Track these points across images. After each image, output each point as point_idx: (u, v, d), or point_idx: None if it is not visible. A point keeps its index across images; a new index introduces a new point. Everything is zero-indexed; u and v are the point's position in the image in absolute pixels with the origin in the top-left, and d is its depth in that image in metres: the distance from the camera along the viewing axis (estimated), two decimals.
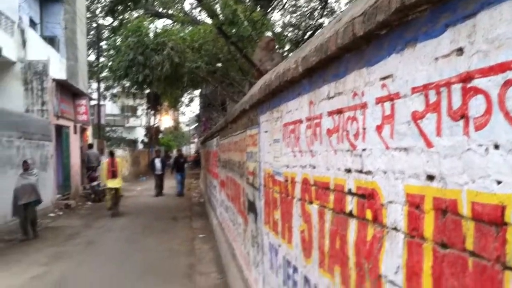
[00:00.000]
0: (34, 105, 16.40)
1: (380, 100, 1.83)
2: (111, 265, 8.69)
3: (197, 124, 43.76)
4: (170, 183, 22.48)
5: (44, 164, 15.39)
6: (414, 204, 1.57)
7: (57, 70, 18.42)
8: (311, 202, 2.68)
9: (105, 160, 17.22)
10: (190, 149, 58.56)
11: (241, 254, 5.99)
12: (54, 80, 17.25)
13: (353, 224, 2.02)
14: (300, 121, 2.92)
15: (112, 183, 15.18)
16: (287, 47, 18.79)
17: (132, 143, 42.65)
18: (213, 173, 12.04)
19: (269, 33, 15.88)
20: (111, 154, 16.13)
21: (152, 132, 39.57)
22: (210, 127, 21.36)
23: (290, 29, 21.81)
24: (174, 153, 35.10)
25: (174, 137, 55.19)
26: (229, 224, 7.67)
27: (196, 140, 52.29)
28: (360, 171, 1.97)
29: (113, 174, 15.30)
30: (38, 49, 16.92)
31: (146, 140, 41.92)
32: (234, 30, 14.29)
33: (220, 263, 8.27)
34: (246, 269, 5.44)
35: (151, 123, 40.63)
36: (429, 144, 1.50)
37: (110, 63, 18.43)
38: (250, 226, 5.04)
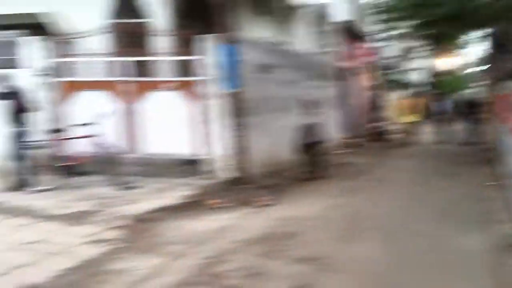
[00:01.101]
0: (318, 47, 17.14)
1: None
2: (403, 203, 8.78)
3: (483, 67, 40.41)
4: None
5: (329, 105, 16.08)
6: None
7: (338, 12, 18.81)
8: None
9: (396, 100, 21.60)
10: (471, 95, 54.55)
11: None
12: (336, 22, 17.71)
13: None
14: None
15: (406, 119, 19.42)
16: None
17: (411, 86, 41.76)
18: (504, 118, 11.02)
19: None
20: (405, 95, 20.65)
21: (432, 75, 38.27)
22: (500, 70, 19.48)
23: None
24: (455, 97, 33.19)
25: (454, 81, 52.19)
26: None
27: (479, 84, 48.59)
28: None
29: (406, 112, 19.49)
30: None
31: (424, 82, 40.61)
32: None
33: None
34: None
35: (431, 66, 39.21)
36: None
37: (392, 4, 18.10)
38: None
